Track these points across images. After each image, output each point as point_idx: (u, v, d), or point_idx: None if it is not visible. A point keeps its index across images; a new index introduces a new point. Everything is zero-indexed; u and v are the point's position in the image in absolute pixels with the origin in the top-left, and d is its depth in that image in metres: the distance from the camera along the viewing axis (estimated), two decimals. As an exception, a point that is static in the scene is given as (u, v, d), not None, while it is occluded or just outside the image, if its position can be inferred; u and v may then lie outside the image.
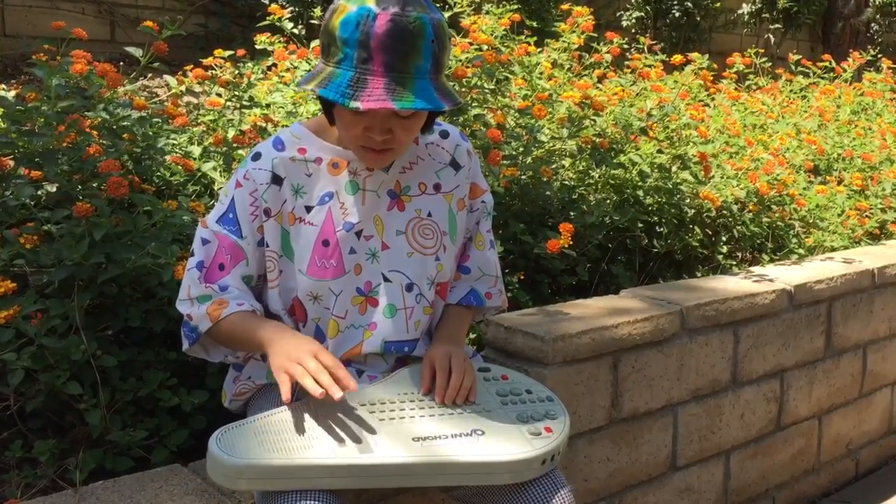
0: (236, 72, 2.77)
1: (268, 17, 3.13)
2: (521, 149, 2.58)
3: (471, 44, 3.00)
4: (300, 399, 1.44)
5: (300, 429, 1.39)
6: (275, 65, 3.06)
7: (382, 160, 1.52)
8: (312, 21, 3.59)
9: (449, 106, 1.42)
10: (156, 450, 1.76)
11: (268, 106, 2.78)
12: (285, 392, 1.37)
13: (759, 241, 3.09)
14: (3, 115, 2.13)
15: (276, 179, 1.54)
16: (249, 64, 2.95)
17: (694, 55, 3.54)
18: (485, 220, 1.74)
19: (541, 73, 3.22)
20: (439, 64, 1.42)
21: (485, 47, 2.97)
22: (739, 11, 8.60)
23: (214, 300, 1.52)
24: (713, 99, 4.11)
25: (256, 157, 1.56)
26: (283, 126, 2.52)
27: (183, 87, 2.64)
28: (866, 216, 3.38)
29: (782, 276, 2.58)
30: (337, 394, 1.35)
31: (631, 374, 2.10)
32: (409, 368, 1.57)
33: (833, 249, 3.14)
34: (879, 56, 5.43)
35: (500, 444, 1.42)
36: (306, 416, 1.41)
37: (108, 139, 2.16)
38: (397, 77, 1.37)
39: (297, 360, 1.38)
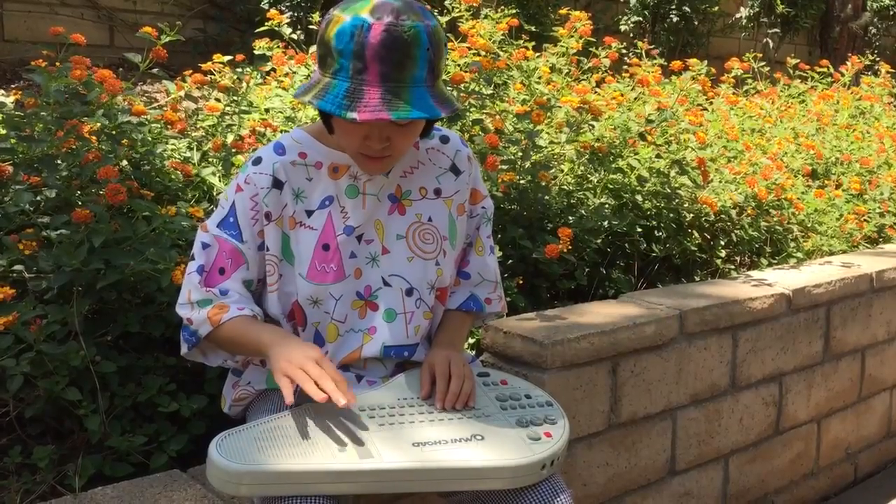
0: (235, 77, 2.77)
1: (266, 23, 3.13)
2: (519, 154, 2.58)
3: (469, 48, 3.00)
4: (300, 404, 1.44)
5: (300, 434, 1.38)
6: (273, 70, 3.06)
7: (381, 167, 1.53)
8: (311, 26, 3.58)
9: (446, 113, 1.42)
10: (155, 455, 1.76)
11: (267, 111, 2.78)
12: (288, 395, 1.36)
13: (757, 246, 3.10)
14: (3, 120, 2.13)
15: (277, 184, 1.54)
16: (248, 69, 2.95)
17: (692, 61, 3.54)
18: (485, 226, 1.74)
19: (539, 78, 3.22)
20: (435, 71, 1.42)
21: (483, 52, 2.98)
22: (737, 16, 8.62)
23: (215, 304, 1.52)
24: (711, 103, 4.12)
25: (257, 161, 1.56)
26: (282, 131, 2.52)
27: (182, 93, 2.64)
28: (864, 220, 3.38)
29: (781, 280, 2.59)
30: (341, 401, 1.35)
31: (630, 379, 2.10)
32: (409, 373, 1.57)
33: (831, 253, 3.15)
34: (877, 60, 5.44)
35: (500, 450, 1.42)
36: (306, 421, 1.41)
37: (107, 145, 2.17)
38: (393, 87, 1.37)
39: (300, 365, 1.38)
